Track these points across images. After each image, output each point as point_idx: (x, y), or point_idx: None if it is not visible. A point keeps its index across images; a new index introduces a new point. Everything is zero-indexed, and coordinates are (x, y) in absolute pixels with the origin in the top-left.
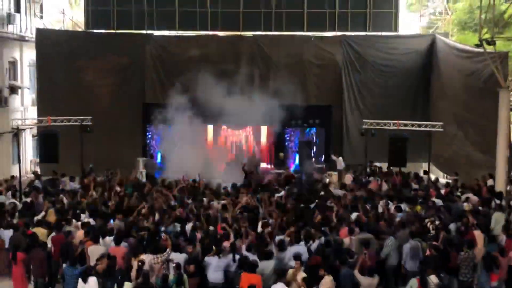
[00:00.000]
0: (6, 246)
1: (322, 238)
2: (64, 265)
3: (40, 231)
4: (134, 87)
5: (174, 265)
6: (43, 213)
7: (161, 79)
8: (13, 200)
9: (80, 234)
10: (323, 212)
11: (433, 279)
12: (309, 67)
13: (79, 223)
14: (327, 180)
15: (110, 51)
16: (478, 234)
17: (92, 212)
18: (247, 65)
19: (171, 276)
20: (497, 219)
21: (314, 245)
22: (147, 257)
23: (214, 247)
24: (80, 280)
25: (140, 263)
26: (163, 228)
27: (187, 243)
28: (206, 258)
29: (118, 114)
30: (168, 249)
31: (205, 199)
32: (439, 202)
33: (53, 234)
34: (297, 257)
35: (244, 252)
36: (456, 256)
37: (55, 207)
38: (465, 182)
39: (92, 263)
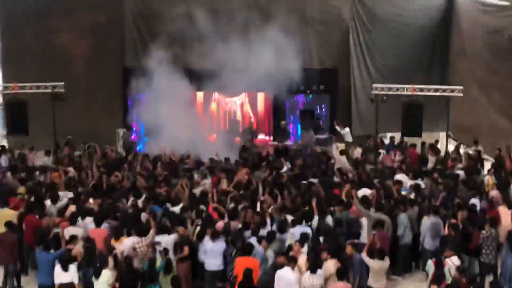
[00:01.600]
0: None
1: (329, 217)
2: (37, 249)
3: (10, 213)
4: (113, 49)
5: (161, 249)
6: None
7: (143, 39)
8: None
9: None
10: (329, 188)
11: (454, 260)
12: (312, 25)
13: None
14: (334, 153)
15: (84, 8)
16: (504, 211)
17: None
18: (241, 23)
19: (158, 262)
20: None
21: (314, 223)
22: (130, 240)
23: (208, 230)
24: (59, 267)
25: (115, 254)
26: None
27: (177, 224)
28: (201, 244)
29: (95, 79)
30: (151, 231)
31: (195, 176)
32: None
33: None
34: (299, 239)
35: (247, 235)
36: (477, 235)
37: (27, 185)
38: (488, 152)
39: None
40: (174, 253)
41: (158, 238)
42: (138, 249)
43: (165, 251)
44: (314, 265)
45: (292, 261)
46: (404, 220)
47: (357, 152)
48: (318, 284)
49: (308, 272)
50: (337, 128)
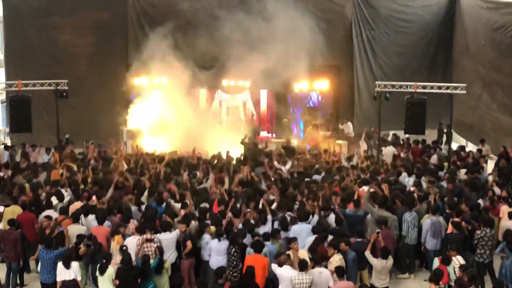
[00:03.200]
0: None
1: (331, 215)
2: (39, 247)
3: (16, 210)
4: (116, 47)
5: (155, 246)
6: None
7: (146, 37)
8: None
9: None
10: (329, 185)
11: (459, 259)
12: (315, 22)
13: None
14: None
15: (88, 5)
16: (506, 209)
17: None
18: (245, 20)
19: (152, 260)
20: None
21: (314, 220)
22: (133, 238)
23: (213, 228)
24: (60, 264)
25: (124, 247)
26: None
27: (180, 222)
28: (204, 242)
29: (98, 77)
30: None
31: (198, 173)
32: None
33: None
34: (294, 238)
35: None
36: None
37: (30, 183)
38: (492, 150)
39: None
40: (177, 250)
41: (160, 236)
42: (141, 243)
43: (159, 250)
44: (302, 263)
45: (287, 259)
46: (408, 219)
47: (362, 146)
48: (306, 282)
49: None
50: (340, 126)
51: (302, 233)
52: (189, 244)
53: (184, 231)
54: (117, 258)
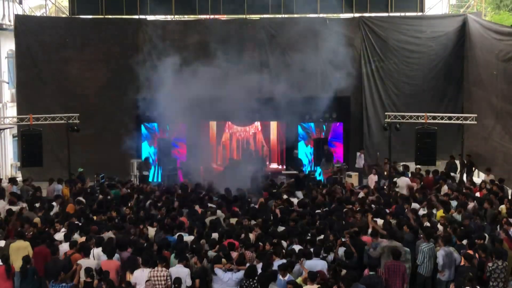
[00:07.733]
0: None
1: (342, 248)
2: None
3: (21, 245)
4: (126, 80)
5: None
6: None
7: (157, 70)
8: None
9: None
10: (342, 218)
11: None
12: (324, 54)
13: None
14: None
15: (99, 40)
16: None
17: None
18: (254, 53)
19: None
20: None
21: (330, 257)
22: (142, 272)
23: (224, 260)
24: None
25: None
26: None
27: (192, 255)
28: (217, 271)
29: (109, 110)
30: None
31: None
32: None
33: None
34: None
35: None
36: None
37: (41, 217)
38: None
39: (81, 279)
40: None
41: (175, 268)
42: (152, 278)
43: (177, 281)
44: None
45: None
46: (424, 249)
47: (372, 179)
48: None
49: None
50: (357, 154)
51: (316, 269)
52: (197, 282)
53: (195, 262)
54: None
